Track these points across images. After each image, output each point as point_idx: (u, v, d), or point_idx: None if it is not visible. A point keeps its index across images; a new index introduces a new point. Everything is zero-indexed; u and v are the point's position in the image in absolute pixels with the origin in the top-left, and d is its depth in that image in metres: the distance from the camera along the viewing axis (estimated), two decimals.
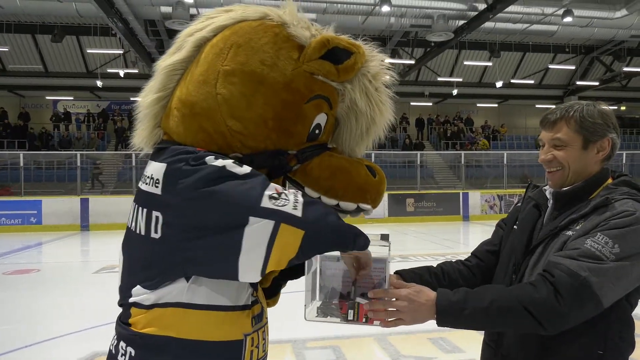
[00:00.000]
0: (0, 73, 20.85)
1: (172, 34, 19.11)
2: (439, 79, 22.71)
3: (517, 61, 23.80)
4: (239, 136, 1.12)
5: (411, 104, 25.32)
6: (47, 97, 21.19)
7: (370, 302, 1.16)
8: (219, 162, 1.02)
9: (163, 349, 1.06)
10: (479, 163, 19.97)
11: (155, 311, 1.06)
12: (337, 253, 1.20)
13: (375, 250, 1.19)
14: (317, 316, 1.20)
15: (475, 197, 16.51)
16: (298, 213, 1.00)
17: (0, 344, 4.20)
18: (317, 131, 1.18)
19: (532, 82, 23.92)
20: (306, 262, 1.18)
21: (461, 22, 15.62)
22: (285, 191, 1.03)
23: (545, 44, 21.64)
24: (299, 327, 3.99)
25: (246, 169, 1.03)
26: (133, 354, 1.07)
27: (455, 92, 22.38)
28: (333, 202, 1.15)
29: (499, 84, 21.40)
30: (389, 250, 1.20)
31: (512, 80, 23.22)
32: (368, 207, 1.17)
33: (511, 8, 14.22)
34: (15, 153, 16.46)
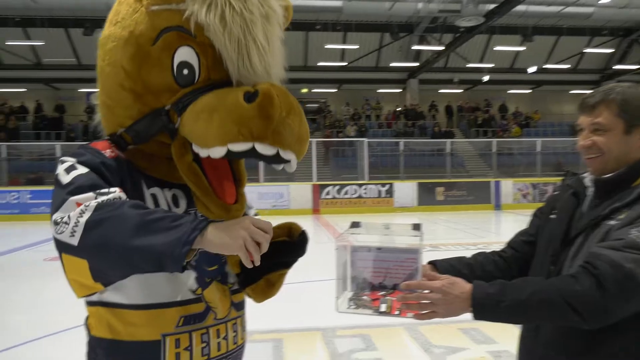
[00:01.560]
0: (36, 67, 21.50)
1: None
2: (469, 65, 22.20)
3: (550, 45, 23.00)
4: (113, 109, 1.08)
5: (440, 91, 24.86)
6: (79, 90, 21.75)
7: (403, 294, 1.12)
8: (60, 167, 1.00)
9: (92, 348, 1.09)
10: (510, 151, 19.47)
11: (89, 309, 1.09)
12: (368, 243, 1.17)
13: (407, 240, 1.15)
14: (348, 308, 1.18)
15: (508, 186, 16.14)
16: (74, 241, 0.88)
17: (52, 324, 4.38)
18: (185, 71, 1.00)
19: (567, 66, 23.13)
20: (336, 252, 1.15)
21: (492, 6, 15.19)
22: (70, 213, 0.89)
23: (580, 26, 20.81)
24: (328, 315, 4.00)
25: (69, 177, 0.96)
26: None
27: (486, 78, 21.84)
28: (203, 152, 0.96)
29: (531, 70, 20.76)
30: (422, 240, 1.16)
31: (546, 66, 22.50)
32: (263, 146, 0.91)
33: None
34: (52, 144, 16.95)
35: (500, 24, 18.28)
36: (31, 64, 21.39)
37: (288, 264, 1.23)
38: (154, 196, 1.07)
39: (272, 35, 1.06)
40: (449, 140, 18.38)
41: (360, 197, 15.14)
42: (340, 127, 21.62)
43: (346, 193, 15.13)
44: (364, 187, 15.26)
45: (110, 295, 1.02)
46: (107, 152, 1.05)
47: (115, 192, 0.94)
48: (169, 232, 0.87)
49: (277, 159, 0.96)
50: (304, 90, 24.98)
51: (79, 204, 0.89)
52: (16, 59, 20.66)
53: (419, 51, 21.90)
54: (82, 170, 0.97)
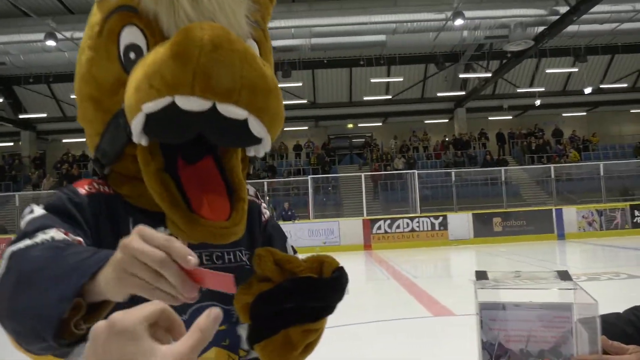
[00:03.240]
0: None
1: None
2: (519, 90, 21.56)
3: (605, 64, 22.03)
4: (86, 130, 0.90)
5: (489, 118, 24.22)
6: None
7: None
8: (27, 211, 0.77)
9: None
10: (570, 176, 18.48)
11: None
12: (500, 299, 0.92)
13: (555, 292, 0.88)
14: None
15: (571, 214, 15.19)
16: None
17: None
18: (132, 55, 0.80)
19: (624, 85, 21.99)
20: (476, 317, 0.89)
21: (541, 28, 14.75)
22: None
23: (637, 43, 19.87)
24: None
25: (22, 223, 0.74)
26: None
27: (538, 102, 21.10)
28: (134, 137, 0.74)
29: (587, 90, 19.87)
30: (575, 292, 0.87)
31: (602, 86, 21.49)
32: (185, 98, 0.65)
33: (597, 8, 13.18)
34: None
35: (551, 46, 17.73)
36: None
37: (315, 315, 0.82)
38: None
39: None
40: (502, 168, 17.67)
41: (413, 230, 14.67)
42: (387, 160, 21.36)
43: (398, 227, 14.70)
44: (416, 220, 14.79)
45: None
46: (84, 189, 0.84)
47: (50, 232, 0.67)
48: (51, 281, 0.57)
49: (220, 121, 0.67)
50: (350, 126, 25.04)
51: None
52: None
53: (465, 79, 21.54)
54: (37, 213, 0.75)
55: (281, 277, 0.82)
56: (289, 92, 21.59)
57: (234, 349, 0.86)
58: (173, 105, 0.65)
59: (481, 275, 0.97)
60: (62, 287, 0.56)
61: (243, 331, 0.87)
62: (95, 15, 0.86)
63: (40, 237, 0.67)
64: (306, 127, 24.61)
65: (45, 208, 0.78)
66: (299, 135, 24.13)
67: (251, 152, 0.80)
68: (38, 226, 0.69)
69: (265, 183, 17.14)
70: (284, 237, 1.08)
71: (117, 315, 0.43)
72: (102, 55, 0.83)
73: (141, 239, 0.52)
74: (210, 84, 0.64)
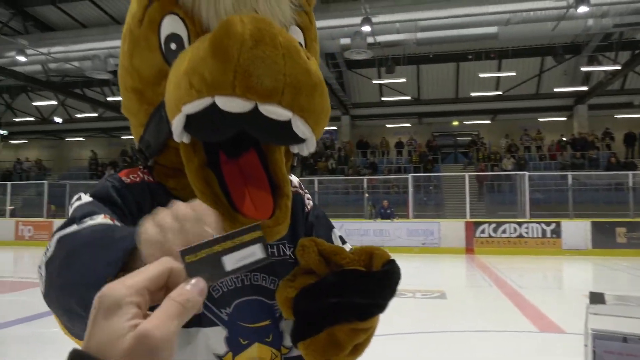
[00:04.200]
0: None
1: (351, 64, 20.05)
2: None
3: None
4: (131, 121, 0.88)
5: (616, 116, 21.77)
6: None
7: None
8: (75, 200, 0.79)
9: None
10: None
11: None
12: (619, 329, 0.75)
13: None
14: None
15: None
16: (43, 289, 0.64)
17: None
18: (173, 45, 0.76)
19: None
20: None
21: None
22: (40, 264, 0.65)
23: None
24: None
25: (70, 210, 0.74)
26: None
27: None
28: (175, 136, 0.70)
29: None
30: None
31: None
32: (225, 98, 0.61)
33: None
34: None
35: None
36: None
37: (364, 313, 0.73)
38: None
39: None
40: (630, 173, 15.76)
41: (520, 236, 13.67)
42: (495, 160, 20.16)
43: (504, 232, 13.79)
44: (524, 225, 13.76)
45: None
46: (129, 177, 0.83)
47: (97, 219, 0.67)
48: (98, 250, 0.57)
49: (264, 121, 0.63)
50: (455, 123, 24.06)
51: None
52: None
53: (588, 73, 19.55)
54: (84, 200, 0.76)
55: (326, 269, 0.76)
56: (392, 88, 21.27)
57: (277, 346, 0.83)
58: (213, 106, 0.62)
59: (597, 299, 0.79)
60: (109, 253, 0.55)
61: (287, 327, 0.83)
62: (136, 3, 0.83)
63: (88, 222, 0.66)
64: (409, 124, 24.11)
65: (92, 195, 0.78)
66: (401, 132, 23.73)
67: (295, 149, 0.75)
68: (85, 212, 0.69)
69: (365, 180, 17.08)
70: (329, 226, 1.00)
71: (106, 288, 0.42)
72: (143, 45, 0.80)
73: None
74: (252, 84, 0.60)
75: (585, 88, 19.91)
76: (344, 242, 1.00)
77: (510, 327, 5.16)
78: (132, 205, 0.79)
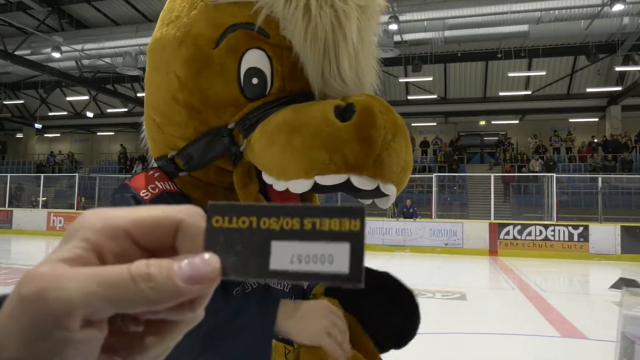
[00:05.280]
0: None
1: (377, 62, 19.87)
2: None
3: None
4: (163, 128, 0.88)
5: None
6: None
7: None
8: None
9: None
10: None
11: None
12: None
13: None
14: None
15: None
16: None
17: None
18: (254, 80, 0.79)
19: None
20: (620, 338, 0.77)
21: None
22: None
23: None
24: None
25: None
26: None
27: None
28: (280, 185, 0.74)
29: None
30: None
31: None
32: (361, 179, 0.69)
33: None
34: None
35: None
36: None
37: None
38: None
39: (367, 32, 0.81)
40: None
41: (546, 239, 13.40)
42: (522, 161, 19.77)
43: (529, 234, 13.54)
44: (551, 228, 13.48)
45: None
46: (148, 191, 0.84)
47: None
48: (236, 344, 0.73)
49: (374, 193, 0.74)
50: (482, 123, 23.67)
51: None
52: None
53: (622, 73, 18.97)
54: None
55: None
56: (419, 86, 21.08)
57: (289, 341, 0.88)
58: (348, 182, 0.70)
59: (631, 282, 0.77)
60: (255, 346, 0.76)
61: None
62: (204, 22, 0.81)
63: None
64: (434, 123, 23.85)
65: None
66: (426, 131, 23.50)
67: (370, 201, 0.83)
68: None
69: None
70: None
71: (83, 214, 0.29)
72: (216, 70, 0.80)
73: (331, 312, 0.79)
74: (383, 170, 0.70)
75: (619, 88, 19.31)
76: None
77: (531, 331, 5.09)
78: None
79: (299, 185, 0.72)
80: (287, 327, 0.77)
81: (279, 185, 0.75)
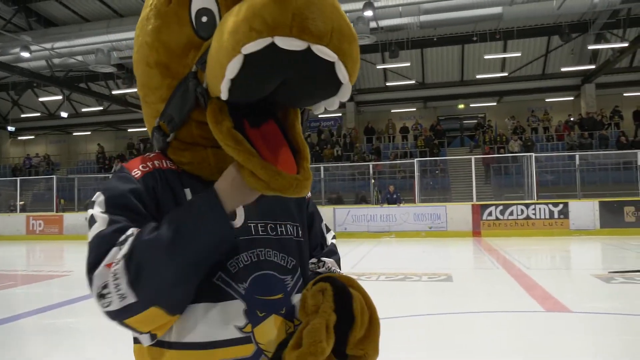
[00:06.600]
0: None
1: None
2: None
3: None
4: (146, 99, 0.94)
5: (624, 94, 21.51)
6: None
7: None
8: (89, 213, 0.83)
9: None
10: None
11: (134, 348, 0.90)
12: None
13: None
14: None
15: None
16: (130, 299, 0.74)
17: None
18: (204, 18, 0.84)
19: None
20: None
21: None
22: (107, 280, 0.75)
23: None
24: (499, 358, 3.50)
25: (91, 234, 0.80)
26: None
27: None
28: (224, 83, 0.72)
29: None
30: None
31: None
32: (284, 39, 0.66)
33: None
34: None
35: None
36: None
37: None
38: None
39: None
40: (639, 151, 15.62)
41: (528, 218, 13.65)
42: (502, 142, 20.03)
43: (511, 214, 13.78)
44: (532, 207, 13.73)
45: (169, 332, 0.86)
46: (139, 169, 0.88)
47: (132, 231, 0.79)
48: (200, 229, 0.77)
49: (314, 62, 0.68)
50: (461, 106, 23.88)
51: (109, 266, 0.76)
52: None
53: (595, 52, 19.29)
54: (100, 220, 0.81)
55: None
56: (397, 72, 21.12)
57: (290, 318, 0.91)
58: (272, 45, 0.67)
59: None
60: (215, 224, 0.78)
61: (297, 301, 0.92)
62: None
63: (130, 236, 0.77)
64: (414, 109, 23.98)
65: (108, 211, 0.82)
66: (406, 117, 23.62)
67: (321, 108, 0.81)
68: (113, 234, 0.78)
69: (371, 165, 17.07)
70: (320, 219, 1.12)
71: None
72: (171, 20, 0.86)
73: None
74: (307, 26, 0.66)
75: (592, 67, 19.66)
76: (328, 230, 1.14)
77: (517, 307, 5.18)
78: (150, 204, 0.85)
79: (233, 66, 0.70)
80: (226, 195, 0.80)
81: (224, 84, 0.72)
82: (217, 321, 0.84)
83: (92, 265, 0.76)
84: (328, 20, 0.68)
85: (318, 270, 1.02)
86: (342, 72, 0.71)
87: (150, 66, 0.89)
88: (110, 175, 0.90)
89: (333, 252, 1.10)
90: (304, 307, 0.86)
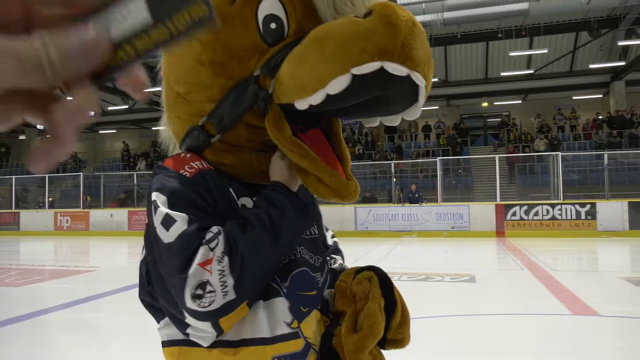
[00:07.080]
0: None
1: None
2: None
3: None
4: (189, 96, 0.91)
5: None
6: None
7: None
8: (155, 217, 0.80)
9: None
10: None
11: (166, 351, 0.89)
12: None
13: None
14: None
15: None
16: (231, 296, 0.75)
17: None
18: (273, 25, 0.85)
19: None
20: None
21: None
22: (208, 278, 0.74)
23: None
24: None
25: (170, 236, 0.78)
26: None
27: None
28: (318, 95, 0.75)
29: None
30: None
31: None
32: (393, 65, 0.71)
33: None
34: None
35: None
36: None
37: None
38: (244, 208, 0.88)
39: None
40: None
41: (553, 218, 13.35)
42: (527, 141, 19.64)
43: (536, 214, 13.50)
44: (558, 207, 13.43)
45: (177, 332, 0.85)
46: (186, 171, 0.86)
47: (216, 229, 0.80)
48: (287, 218, 0.83)
49: (407, 87, 0.75)
50: (485, 104, 23.51)
51: (203, 265, 0.75)
52: None
53: (626, 48, 18.73)
54: (179, 219, 0.79)
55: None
56: None
57: (325, 313, 0.97)
58: (381, 70, 0.71)
59: None
60: (293, 207, 0.85)
61: (329, 296, 0.99)
62: None
63: (217, 233, 0.78)
64: (437, 107, 23.71)
65: (180, 209, 0.80)
66: (428, 115, 23.36)
67: (406, 114, 0.84)
68: (196, 234, 0.78)
69: (392, 164, 16.95)
70: (321, 217, 1.18)
71: None
72: (235, 22, 0.85)
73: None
74: (412, 55, 0.72)
75: (622, 63, 19.10)
76: (326, 229, 1.19)
77: (542, 310, 5.07)
78: (209, 201, 0.84)
79: (338, 84, 0.73)
80: (281, 174, 0.87)
81: (317, 97, 0.75)
82: (268, 318, 0.85)
83: (183, 265, 0.75)
84: (425, 49, 0.75)
85: (332, 267, 1.07)
86: (423, 94, 0.78)
87: (203, 64, 0.87)
88: (152, 175, 0.89)
89: (338, 250, 1.16)
90: (344, 296, 0.93)
